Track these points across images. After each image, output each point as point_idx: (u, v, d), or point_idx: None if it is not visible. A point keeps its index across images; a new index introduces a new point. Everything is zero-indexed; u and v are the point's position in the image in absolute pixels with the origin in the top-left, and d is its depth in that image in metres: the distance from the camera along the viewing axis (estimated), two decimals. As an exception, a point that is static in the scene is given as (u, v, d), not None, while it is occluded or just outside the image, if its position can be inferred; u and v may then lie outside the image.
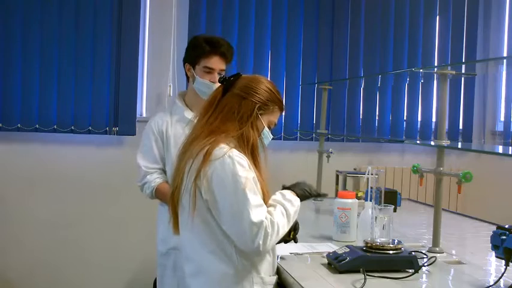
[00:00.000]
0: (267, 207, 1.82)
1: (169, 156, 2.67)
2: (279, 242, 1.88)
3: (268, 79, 1.98)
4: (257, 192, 1.79)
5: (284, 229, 1.83)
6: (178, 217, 1.93)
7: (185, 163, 1.85)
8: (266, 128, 1.93)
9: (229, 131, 1.85)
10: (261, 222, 1.74)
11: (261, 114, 1.90)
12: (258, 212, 1.75)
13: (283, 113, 2.04)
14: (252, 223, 1.73)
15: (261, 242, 1.74)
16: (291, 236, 2.00)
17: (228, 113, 1.87)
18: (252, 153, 1.86)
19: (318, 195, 2.06)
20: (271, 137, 1.96)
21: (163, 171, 2.71)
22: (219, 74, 2.65)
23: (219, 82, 1.95)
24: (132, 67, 4.18)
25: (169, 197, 1.95)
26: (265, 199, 1.84)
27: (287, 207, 1.86)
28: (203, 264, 1.86)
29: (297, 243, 2.09)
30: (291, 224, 1.88)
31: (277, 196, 1.90)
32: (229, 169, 1.76)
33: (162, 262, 2.75)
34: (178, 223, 1.94)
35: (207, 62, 2.64)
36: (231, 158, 1.77)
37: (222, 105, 1.89)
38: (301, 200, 1.94)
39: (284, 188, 1.99)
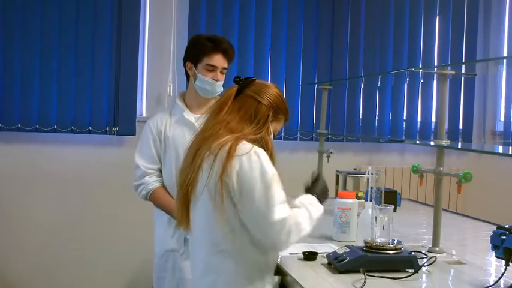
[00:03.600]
0: (293, 207, 1.87)
1: (166, 157, 2.65)
2: None
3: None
4: (282, 188, 1.81)
5: (306, 231, 1.86)
6: (188, 214, 1.92)
7: (202, 159, 1.83)
8: (271, 135, 1.95)
9: (247, 133, 1.86)
10: (285, 218, 1.77)
11: (271, 122, 1.92)
12: (282, 209, 1.77)
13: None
14: (277, 219, 1.75)
15: (284, 239, 1.78)
16: None
17: (245, 115, 1.88)
18: (270, 158, 1.87)
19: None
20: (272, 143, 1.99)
21: (161, 171, 2.70)
22: (222, 72, 2.65)
23: (234, 82, 1.95)
24: (132, 67, 4.18)
25: (179, 193, 1.93)
26: None
27: (311, 211, 1.91)
28: (214, 263, 1.85)
29: (297, 244, 2.08)
30: (312, 226, 1.92)
31: (303, 199, 1.94)
32: (257, 165, 1.77)
33: (159, 264, 2.73)
34: (187, 220, 1.93)
35: (210, 59, 2.61)
36: (257, 154, 1.79)
37: (237, 105, 1.89)
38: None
39: (307, 188, 2.04)
